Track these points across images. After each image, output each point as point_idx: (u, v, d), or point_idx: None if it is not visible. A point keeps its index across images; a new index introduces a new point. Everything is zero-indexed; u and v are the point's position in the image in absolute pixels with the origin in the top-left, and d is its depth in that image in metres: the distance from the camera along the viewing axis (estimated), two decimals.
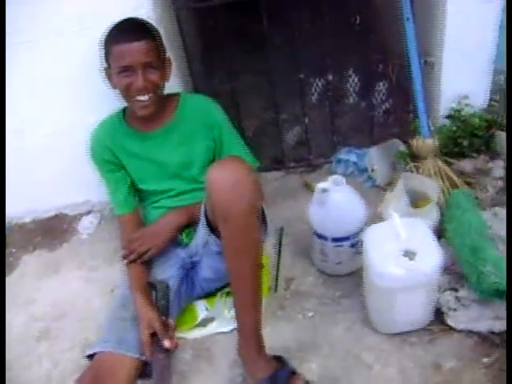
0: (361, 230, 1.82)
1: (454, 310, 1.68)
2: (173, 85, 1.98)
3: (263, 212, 1.74)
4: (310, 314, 1.84)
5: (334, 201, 1.76)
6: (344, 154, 2.31)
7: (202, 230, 1.71)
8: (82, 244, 2.33)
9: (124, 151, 1.86)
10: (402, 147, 2.16)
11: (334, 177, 1.77)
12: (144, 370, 1.65)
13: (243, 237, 1.45)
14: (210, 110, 1.86)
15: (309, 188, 2.29)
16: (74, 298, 2.09)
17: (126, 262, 1.81)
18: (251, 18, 2.16)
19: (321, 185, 1.78)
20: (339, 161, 2.33)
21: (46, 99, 2.14)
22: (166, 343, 1.63)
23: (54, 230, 2.41)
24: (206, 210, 1.64)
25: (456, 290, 1.70)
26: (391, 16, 2.06)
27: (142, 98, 1.69)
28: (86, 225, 2.35)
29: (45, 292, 2.15)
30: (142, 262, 1.80)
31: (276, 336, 1.79)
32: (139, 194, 1.96)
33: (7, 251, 2.37)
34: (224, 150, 1.86)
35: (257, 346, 1.56)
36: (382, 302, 1.63)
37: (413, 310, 1.65)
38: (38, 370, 1.87)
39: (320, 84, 2.19)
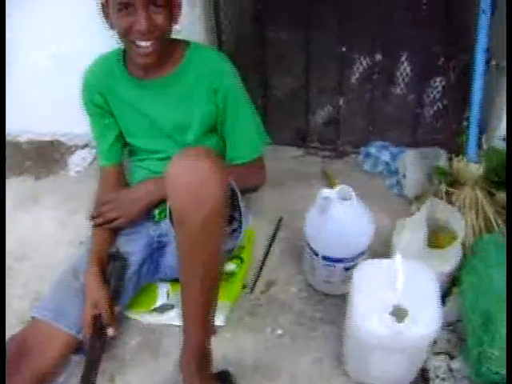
0: (361, 255, 1.54)
1: (443, 379, 1.40)
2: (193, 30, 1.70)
3: (240, 212, 1.46)
4: (280, 332, 1.60)
5: (335, 215, 1.47)
6: (376, 149, 1.98)
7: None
8: (67, 181, 2.14)
9: (116, 98, 1.61)
10: (444, 161, 1.81)
11: (343, 187, 1.47)
12: (79, 346, 1.46)
13: (197, 249, 1.20)
14: (218, 71, 1.54)
15: (327, 179, 1.99)
16: (42, 241, 1.94)
17: (91, 223, 1.60)
18: None
19: (324, 192, 1.49)
20: (369, 155, 2.00)
21: (51, 19, 1.91)
22: (110, 331, 1.43)
23: (45, 157, 2.23)
24: None
25: (451, 357, 1.42)
26: (469, 5, 1.67)
27: (143, 43, 1.39)
28: (78, 161, 2.15)
29: (16, 226, 1.99)
30: (109, 228, 1.58)
31: (235, 345, 1.58)
32: (128, 149, 1.72)
33: None
34: (227, 120, 1.57)
35: (198, 364, 1.33)
36: (358, 352, 1.37)
37: (392, 370, 1.38)
38: None
39: (365, 63, 1.84)
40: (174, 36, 1.50)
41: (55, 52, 2.00)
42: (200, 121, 1.57)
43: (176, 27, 1.50)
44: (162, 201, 1.58)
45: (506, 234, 1.48)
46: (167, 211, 1.39)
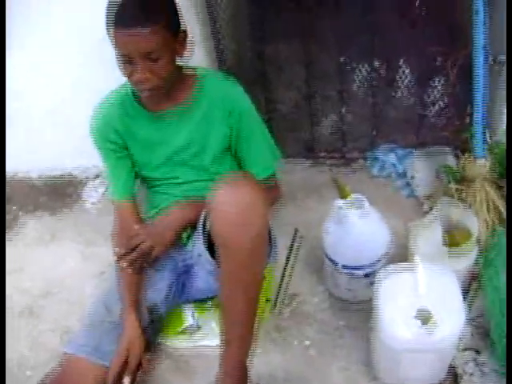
0: (379, 260, 1.56)
1: (471, 374, 1.43)
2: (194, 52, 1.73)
3: (270, 233, 1.49)
4: (307, 343, 1.63)
5: (351, 225, 1.50)
6: (383, 153, 2.01)
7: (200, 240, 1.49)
8: (83, 213, 2.17)
9: (131, 133, 1.60)
10: (451, 159, 1.83)
11: (356, 196, 1.50)
12: None
13: (242, 272, 1.26)
14: (231, 94, 1.57)
15: (337, 187, 2.01)
16: (64, 275, 1.96)
17: (123, 264, 1.50)
18: None
19: (338, 202, 1.52)
20: (376, 159, 2.03)
21: (59, 58, 1.96)
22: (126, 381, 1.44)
23: (58, 191, 2.26)
24: (205, 221, 1.43)
25: (477, 352, 1.45)
26: (462, 2, 1.70)
27: (142, 86, 1.43)
28: (91, 192, 2.18)
29: (36, 262, 2.03)
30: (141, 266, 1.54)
31: (265, 360, 1.61)
32: (140, 178, 1.73)
33: (6, 208, 2.24)
34: (242, 140, 1.60)
35: (237, 382, 1.37)
36: (387, 356, 1.39)
37: (421, 370, 1.40)
38: (12, 351, 1.75)
39: (364, 70, 1.87)
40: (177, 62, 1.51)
41: (60, 90, 2.05)
42: (216, 144, 1.59)
43: None
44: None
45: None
46: (201, 235, 1.44)
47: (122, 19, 1.33)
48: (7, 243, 2.11)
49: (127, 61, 1.37)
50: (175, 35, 1.42)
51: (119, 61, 1.40)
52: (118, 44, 1.36)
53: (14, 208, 2.24)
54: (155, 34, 1.34)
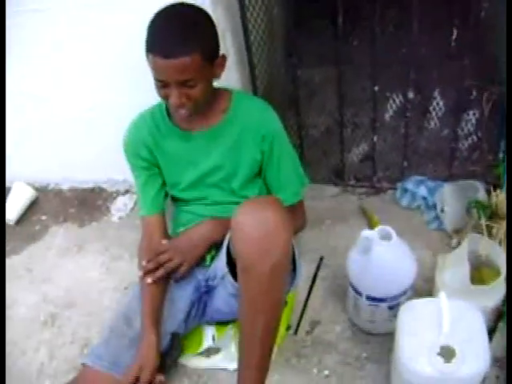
0: (404, 293, 1.54)
1: None
2: (228, 76, 1.74)
3: (294, 258, 1.48)
4: (327, 372, 1.60)
5: (377, 256, 1.47)
6: (413, 185, 1.98)
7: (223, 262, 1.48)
8: (110, 227, 2.19)
9: (163, 152, 1.62)
10: (482, 194, 1.80)
11: (382, 228, 1.48)
12: None
13: (262, 297, 1.26)
14: (264, 119, 1.58)
15: (365, 216, 2.00)
16: (88, 287, 1.98)
17: (148, 279, 1.52)
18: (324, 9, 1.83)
19: (365, 233, 1.50)
20: (406, 190, 2.00)
21: (92, 74, 1.99)
22: None
23: (88, 204, 2.29)
24: (229, 242, 1.42)
25: None
26: (499, 36, 1.68)
27: (179, 111, 1.45)
28: (120, 206, 2.20)
29: (62, 272, 2.05)
30: (164, 280, 1.56)
31: None
32: (170, 195, 1.75)
33: (36, 218, 2.29)
34: (272, 165, 1.61)
35: None
36: None
37: None
38: (32, 360, 1.79)
39: (398, 101, 1.86)
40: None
41: (93, 105, 2.08)
42: (246, 169, 1.60)
43: None
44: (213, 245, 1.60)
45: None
46: (225, 256, 1.44)
47: (159, 46, 1.35)
48: (37, 252, 2.16)
49: (163, 85, 1.40)
50: (212, 61, 1.43)
51: (156, 84, 1.42)
52: (155, 69, 1.38)
53: (45, 218, 2.28)
54: (192, 63, 1.35)
